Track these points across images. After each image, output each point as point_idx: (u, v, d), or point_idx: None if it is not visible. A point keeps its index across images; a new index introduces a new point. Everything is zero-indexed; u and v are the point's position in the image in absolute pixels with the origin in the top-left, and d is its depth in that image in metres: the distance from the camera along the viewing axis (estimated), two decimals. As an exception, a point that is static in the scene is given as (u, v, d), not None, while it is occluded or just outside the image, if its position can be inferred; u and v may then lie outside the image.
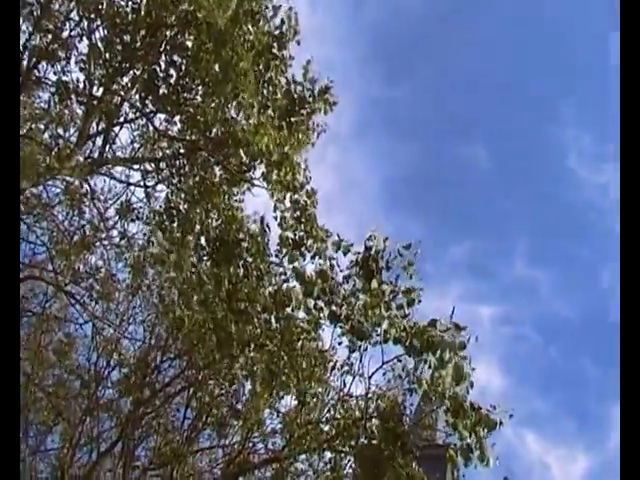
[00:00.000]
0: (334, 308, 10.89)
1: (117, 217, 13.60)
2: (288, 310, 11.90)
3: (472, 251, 31.54)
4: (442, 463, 12.92)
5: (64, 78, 12.99)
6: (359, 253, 10.77)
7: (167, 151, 12.14)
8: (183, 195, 11.91)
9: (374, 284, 10.48)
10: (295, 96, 11.12)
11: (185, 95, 11.17)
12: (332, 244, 10.97)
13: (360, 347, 11.10)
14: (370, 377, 11.38)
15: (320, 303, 10.92)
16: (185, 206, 11.96)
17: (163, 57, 11.07)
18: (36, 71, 13.30)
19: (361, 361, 11.48)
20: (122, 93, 11.79)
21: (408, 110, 29.61)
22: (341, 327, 11.21)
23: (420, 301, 10.48)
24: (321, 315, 10.95)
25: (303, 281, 10.92)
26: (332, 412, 12.03)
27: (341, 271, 11.12)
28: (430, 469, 11.64)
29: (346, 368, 12.12)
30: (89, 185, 13.66)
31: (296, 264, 11.38)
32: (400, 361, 10.55)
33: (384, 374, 11.53)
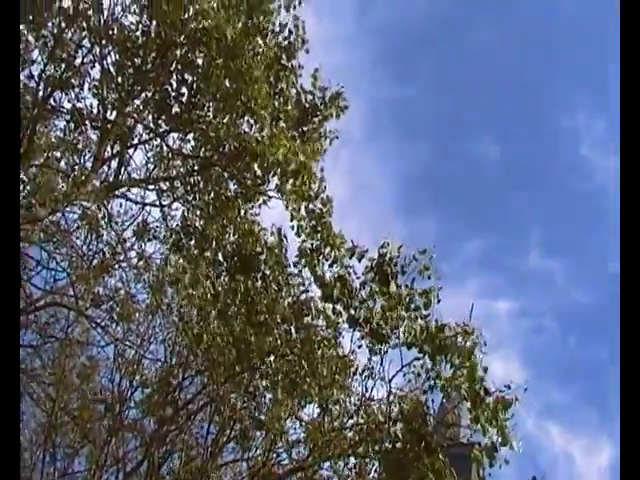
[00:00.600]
0: (352, 312, 11.02)
1: (134, 238, 13.84)
2: (307, 319, 12.06)
3: (486, 246, 31.56)
4: (467, 462, 12.95)
5: (78, 105, 13.33)
6: (374, 259, 10.90)
7: (181, 169, 12.36)
8: (199, 212, 12.11)
9: (392, 287, 10.59)
10: (306, 105, 11.31)
11: (197, 112, 11.39)
12: (346, 250, 11.09)
13: (380, 350, 11.21)
14: (390, 380, 11.47)
15: (339, 307, 11.05)
16: (201, 222, 12.15)
17: (174, 76, 11.31)
18: (52, 100, 13.65)
19: (382, 364, 11.58)
20: (135, 115, 12.05)
21: (418, 110, 29.82)
22: (360, 331, 11.32)
23: (439, 300, 10.55)
24: (340, 320, 11.09)
25: (322, 284, 11.04)
26: (355, 418, 12.10)
27: (357, 278, 11.25)
28: (455, 468, 11.66)
29: (367, 373, 12.20)
30: (106, 209, 13.91)
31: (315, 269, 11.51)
32: (419, 359, 10.62)
33: (404, 375, 11.63)
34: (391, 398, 11.35)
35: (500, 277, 32.38)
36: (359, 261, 11.09)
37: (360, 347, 11.91)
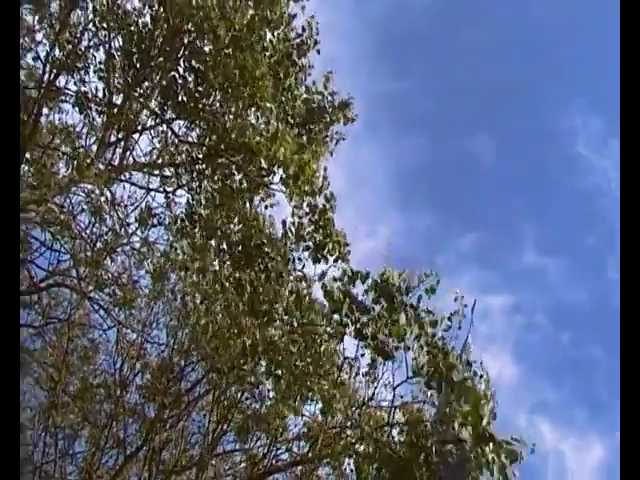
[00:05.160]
0: (359, 326, 10.35)
1: (138, 224, 13.06)
2: (312, 315, 11.34)
3: (480, 242, 30.84)
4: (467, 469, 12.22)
5: (83, 89, 12.52)
6: (377, 282, 10.23)
7: (187, 157, 11.55)
8: (204, 200, 11.32)
9: (401, 319, 9.89)
10: (314, 105, 10.56)
11: (204, 101, 10.57)
12: (347, 277, 10.39)
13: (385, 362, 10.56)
14: (395, 388, 10.74)
15: (346, 320, 10.38)
16: (207, 211, 11.39)
17: (181, 63, 10.48)
18: (57, 83, 12.84)
19: (385, 369, 10.92)
20: (141, 100, 11.23)
21: (414, 104, 28.90)
22: (367, 346, 10.68)
23: (450, 318, 9.83)
24: (347, 331, 10.41)
25: (331, 299, 10.36)
26: (357, 417, 11.34)
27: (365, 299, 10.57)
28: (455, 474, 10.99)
29: (371, 377, 11.45)
30: (110, 192, 13.15)
31: (318, 271, 10.91)
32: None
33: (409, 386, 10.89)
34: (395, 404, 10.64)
35: (494, 272, 31.71)
36: (363, 283, 10.41)
37: (363, 355, 11.29)
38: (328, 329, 11.14)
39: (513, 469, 9.07)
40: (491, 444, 8.92)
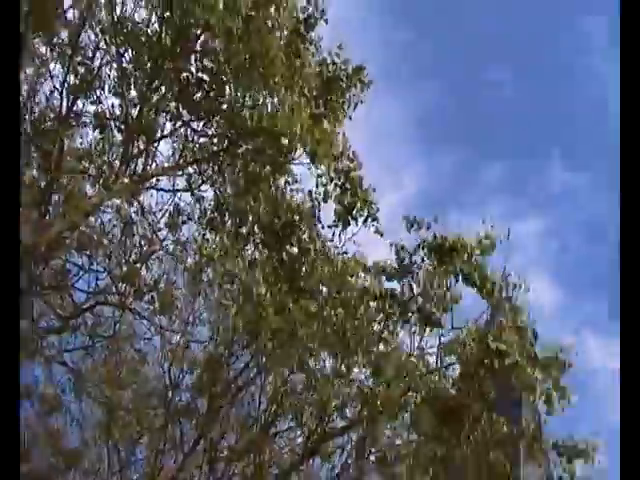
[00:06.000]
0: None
1: (169, 227, 13.72)
2: (350, 280, 11.90)
3: (506, 171, 30.81)
4: (519, 408, 12.72)
5: (100, 108, 13.22)
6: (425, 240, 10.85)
7: (207, 151, 12.22)
8: (229, 189, 11.99)
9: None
10: (329, 75, 11.15)
11: (218, 95, 11.24)
12: (405, 223, 11.01)
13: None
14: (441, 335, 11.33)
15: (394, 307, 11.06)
16: (233, 199, 12.04)
17: (193, 63, 11.18)
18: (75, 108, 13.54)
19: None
20: (157, 108, 11.91)
21: (427, 48, 29.19)
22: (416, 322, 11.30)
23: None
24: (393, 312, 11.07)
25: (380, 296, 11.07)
26: (406, 368, 11.86)
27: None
28: (507, 406, 11.56)
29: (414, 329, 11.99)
30: (138, 202, 13.82)
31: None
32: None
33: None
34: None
35: (523, 199, 31.64)
36: (409, 232, 11.04)
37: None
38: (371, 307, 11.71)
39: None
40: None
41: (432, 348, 11.89)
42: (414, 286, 11.62)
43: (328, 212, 11.53)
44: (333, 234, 11.74)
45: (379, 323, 11.95)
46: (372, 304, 11.86)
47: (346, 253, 11.71)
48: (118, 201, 14.08)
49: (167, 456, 15.68)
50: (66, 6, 11.78)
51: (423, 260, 11.08)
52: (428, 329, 11.79)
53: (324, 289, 11.94)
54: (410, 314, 11.51)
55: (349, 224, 11.35)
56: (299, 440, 14.59)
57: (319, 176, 11.09)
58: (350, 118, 11.52)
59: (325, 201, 11.36)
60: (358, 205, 11.00)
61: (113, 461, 16.10)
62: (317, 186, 11.27)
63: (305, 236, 11.63)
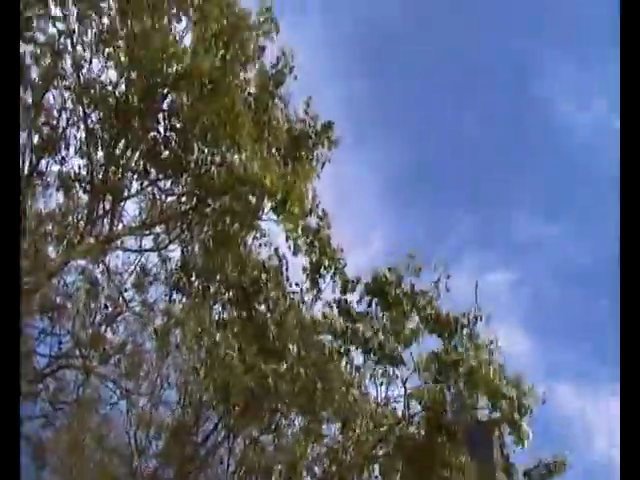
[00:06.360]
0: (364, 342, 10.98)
1: (135, 288, 13.53)
2: (316, 337, 11.85)
3: (477, 223, 30.83)
4: (488, 440, 12.74)
5: (66, 169, 13.11)
6: (369, 284, 10.92)
7: (175, 210, 12.15)
8: (197, 249, 11.90)
9: (395, 313, 10.58)
10: (297, 133, 11.24)
11: (186, 155, 11.23)
12: (340, 284, 11.07)
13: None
14: (405, 382, 11.29)
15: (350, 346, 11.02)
16: (201, 259, 11.95)
17: (161, 121, 11.19)
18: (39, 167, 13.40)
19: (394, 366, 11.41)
20: (124, 166, 11.85)
21: (391, 100, 29.36)
22: (374, 358, 11.27)
23: (449, 290, 10.56)
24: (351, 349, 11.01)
25: (334, 332, 11.05)
26: (373, 421, 11.77)
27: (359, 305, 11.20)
28: (475, 446, 11.45)
29: (381, 380, 11.90)
30: (104, 264, 13.63)
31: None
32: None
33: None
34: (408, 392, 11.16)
35: (495, 250, 31.79)
36: (352, 292, 11.11)
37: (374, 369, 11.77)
38: (334, 350, 11.64)
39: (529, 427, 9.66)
40: (504, 402, 9.48)
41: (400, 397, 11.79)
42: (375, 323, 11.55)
43: (296, 270, 11.50)
44: (301, 290, 11.68)
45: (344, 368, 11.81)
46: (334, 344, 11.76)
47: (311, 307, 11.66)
48: (83, 262, 13.92)
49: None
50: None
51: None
52: (392, 369, 11.69)
53: (293, 347, 11.81)
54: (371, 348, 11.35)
55: (317, 282, 11.36)
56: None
57: (288, 231, 11.09)
58: (318, 176, 11.57)
59: (295, 254, 11.34)
60: (326, 263, 11.02)
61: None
62: (287, 240, 11.26)
63: (273, 294, 11.54)
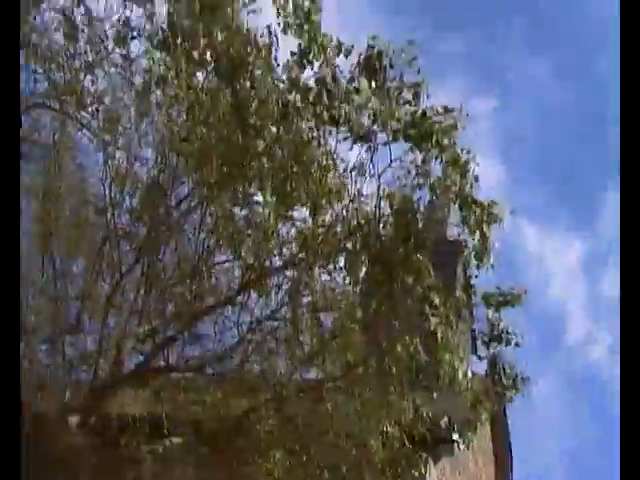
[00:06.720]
0: (333, 112, 10.60)
1: (116, 40, 12.73)
2: (296, 121, 11.41)
3: (468, 42, 30.04)
4: (454, 259, 12.89)
5: None
6: (361, 54, 10.41)
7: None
8: (184, 9, 11.06)
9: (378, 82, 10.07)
10: None
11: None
12: (334, 48, 10.47)
13: (371, 147, 10.78)
14: (380, 175, 11.08)
15: (319, 109, 10.62)
16: (188, 21, 11.16)
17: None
18: None
19: (371, 161, 11.13)
20: None
21: None
22: (344, 131, 10.91)
23: (429, 96, 10.13)
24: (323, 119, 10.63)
25: (298, 89, 10.62)
26: (345, 214, 11.67)
27: (343, 76, 10.72)
28: (441, 264, 11.53)
29: (356, 170, 11.61)
30: (85, 7, 12.76)
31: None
32: (410, 151, 10.31)
33: (394, 174, 11.20)
34: (381, 194, 10.99)
35: (483, 75, 31.13)
36: (346, 57, 10.62)
37: (351, 149, 11.48)
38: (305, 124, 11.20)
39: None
40: (473, 206, 9.44)
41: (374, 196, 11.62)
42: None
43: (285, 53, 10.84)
44: (289, 74, 11.06)
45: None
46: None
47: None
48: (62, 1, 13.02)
49: (104, 275, 15.47)
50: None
51: None
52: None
53: (273, 129, 11.40)
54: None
55: (304, 67, 10.76)
56: (237, 273, 14.51)
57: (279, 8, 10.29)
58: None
59: (285, 32, 10.60)
60: (315, 49, 10.35)
61: (48, 272, 15.82)
62: (277, 15, 10.48)
63: (259, 72, 10.91)
